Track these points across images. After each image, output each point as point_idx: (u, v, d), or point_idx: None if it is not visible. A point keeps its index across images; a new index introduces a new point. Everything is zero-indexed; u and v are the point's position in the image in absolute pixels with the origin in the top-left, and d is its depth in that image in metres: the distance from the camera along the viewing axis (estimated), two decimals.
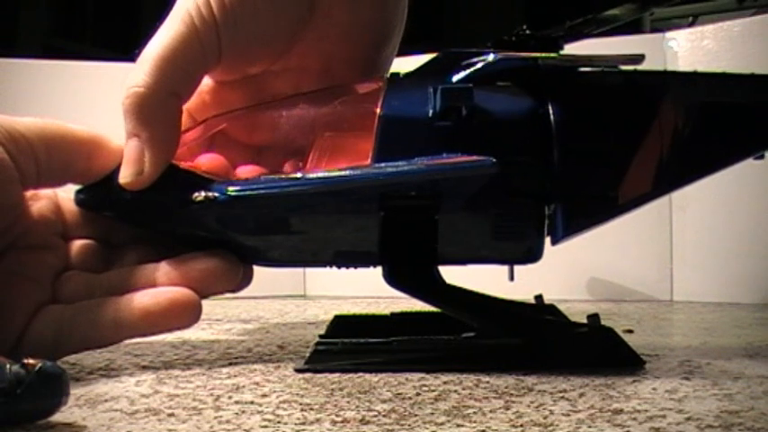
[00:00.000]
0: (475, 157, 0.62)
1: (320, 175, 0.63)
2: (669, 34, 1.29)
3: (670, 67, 1.22)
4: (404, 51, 0.77)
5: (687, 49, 1.25)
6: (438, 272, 0.65)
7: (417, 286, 0.64)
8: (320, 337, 0.71)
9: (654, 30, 1.53)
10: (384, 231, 0.64)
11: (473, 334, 0.63)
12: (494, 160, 0.62)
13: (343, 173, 0.62)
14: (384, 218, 0.63)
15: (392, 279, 0.64)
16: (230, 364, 0.66)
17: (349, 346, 0.63)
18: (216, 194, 0.63)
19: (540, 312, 0.75)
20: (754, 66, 0.70)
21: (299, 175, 0.63)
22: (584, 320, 0.64)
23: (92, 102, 1.36)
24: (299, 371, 0.61)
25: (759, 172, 0.81)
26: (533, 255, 0.66)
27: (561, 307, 0.77)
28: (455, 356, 0.62)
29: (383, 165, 0.62)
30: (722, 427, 0.43)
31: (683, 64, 1.23)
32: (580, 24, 0.68)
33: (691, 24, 1.49)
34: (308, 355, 0.63)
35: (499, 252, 0.66)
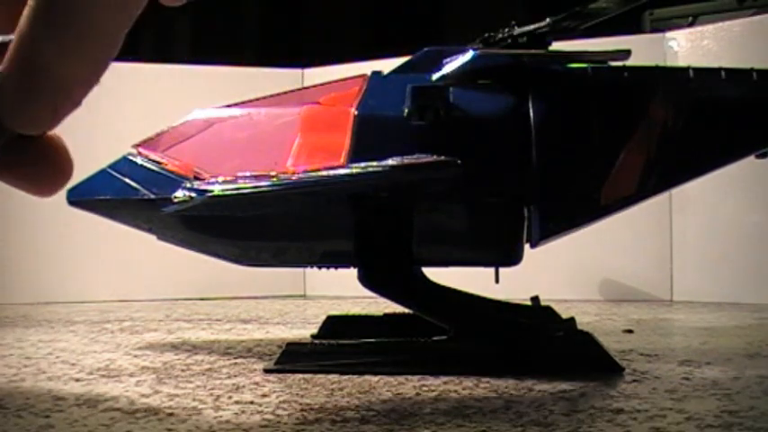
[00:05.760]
0: (441, 158, 0.61)
1: (293, 176, 0.63)
2: (669, 34, 1.29)
3: None
4: (404, 52, 0.77)
5: (687, 49, 1.25)
6: (416, 272, 0.64)
7: (391, 288, 0.64)
8: (312, 336, 0.71)
9: (654, 30, 1.53)
10: (357, 233, 0.64)
11: (444, 337, 0.62)
12: (458, 161, 0.61)
13: (311, 174, 0.62)
14: (357, 219, 0.63)
15: (366, 281, 0.64)
16: (230, 364, 0.66)
17: (318, 347, 0.63)
18: (193, 194, 0.63)
19: (527, 315, 0.74)
20: (754, 65, 0.69)
21: (272, 173, 0.63)
22: (580, 322, 0.64)
23: (92, 101, 1.36)
24: (267, 371, 0.61)
25: (759, 172, 0.81)
26: (512, 257, 0.65)
27: (561, 307, 0.77)
28: (425, 359, 0.61)
29: (352, 166, 0.62)
30: (722, 426, 0.43)
31: (684, 64, 1.23)
32: (565, 19, 0.67)
33: (691, 24, 1.49)
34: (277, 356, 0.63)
35: (476, 254, 0.66)
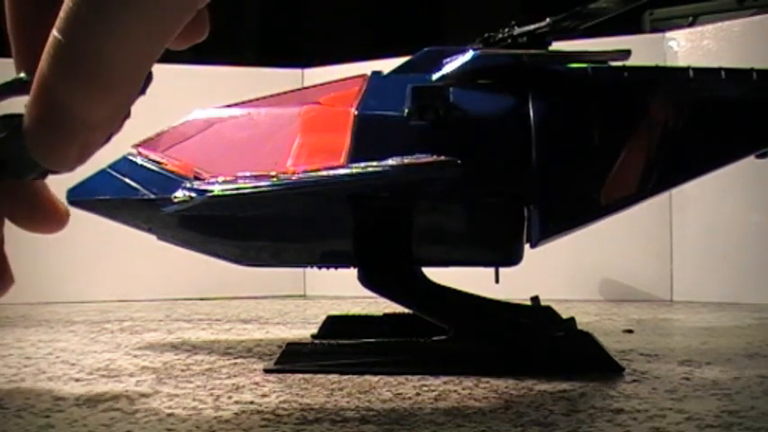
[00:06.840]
0: (441, 158, 0.61)
1: (293, 176, 0.63)
2: (669, 34, 1.29)
3: None
4: (404, 52, 0.77)
5: (687, 49, 1.25)
6: (416, 272, 0.64)
7: (390, 288, 0.64)
8: (312, 336, 0.71)
9: (654, 30, 1.53)
10: (357, 233, 0.64)
11: (444, 337, 0.62)
12: (458, 161, 0.61)
13: (311, 174, 0.62)
14: (357, 219, 0.63)
15: (366, 281, 0.63)
16: (230, 364, 0.66)
17: (318, 347, 0.63)
18: (193, 194, 0.64)
19: (527, 315, 0.74)
20: (754, 65, 0.69)
21: (272, 173, 0.63)
22: (580, 322, 0.64)
23: None
24: (267, 371, 0.61)
25: (759, 172, 0.81)
26: (512, 257, 0.65)
27: (562, 307, 0.77)
28: (425, 360, 0.61)
29: (351, 166, 0.62)
30: (722, 426, 0.43)
31: (684, 64, 1.22)
32: (565, 19, 0.67)
33: (691, 24, 1.49)
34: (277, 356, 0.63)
35: (476, 254, 0.66)
